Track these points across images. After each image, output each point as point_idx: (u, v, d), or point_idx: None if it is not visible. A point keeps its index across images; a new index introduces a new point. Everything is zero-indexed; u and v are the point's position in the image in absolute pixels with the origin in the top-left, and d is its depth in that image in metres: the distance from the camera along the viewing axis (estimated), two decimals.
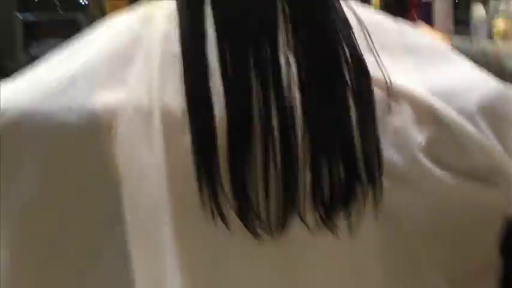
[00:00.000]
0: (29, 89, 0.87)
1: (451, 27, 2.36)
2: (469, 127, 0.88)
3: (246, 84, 0.83)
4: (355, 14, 0.93)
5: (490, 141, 0.90)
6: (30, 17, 3.27)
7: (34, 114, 0.85)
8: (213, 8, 0.87)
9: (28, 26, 3.15)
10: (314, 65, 0.85)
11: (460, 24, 2.60)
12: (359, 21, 0.92)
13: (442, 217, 0.90)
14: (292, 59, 0.85)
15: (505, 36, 2.56)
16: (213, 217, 0.83)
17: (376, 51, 0.89)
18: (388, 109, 0.87)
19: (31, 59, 2.34)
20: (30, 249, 0.87)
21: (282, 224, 0.84)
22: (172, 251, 0.83)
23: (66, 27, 3.18)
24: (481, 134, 0.89)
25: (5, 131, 0.85)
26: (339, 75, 0.86)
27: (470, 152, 0.89)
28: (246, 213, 0.83)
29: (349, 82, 0.86)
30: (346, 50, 0.87)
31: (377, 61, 0.88)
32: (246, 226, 0.83)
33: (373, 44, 0.90)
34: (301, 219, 0.84)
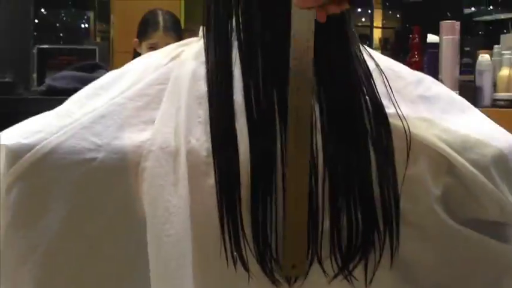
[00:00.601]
0: (58, 124, 0.89)
1: (457, 72, 2.40)
2: (483, 180, 0.89)
3: (270, 127, 0.85)
4: (374, 60, 0.95)
5: (504, 195, 0.91)
6: (45, 47, 3.31)
7: (63, 149, 0.86)
8: (240, 51, 0.89)
9: (43, 57, 3.19)
10: (336, 112, 0.88)
11: (466, 70, 2.64)
12: (378, 68, 0.95)
13: (456, 269, 0.91)
14: (315, 105, 0.87)
15: (508, 82, 2.60)
16: (233, 261, 0.84)
17: (396, 100, 0.91)
18: (407, 158, 0.88)
19: (46, 90, 2.37)
20: (56, 284, 0.88)
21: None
22: None
23: (82, 57, 3.20)
24: (494, 187, 0.90)
25: (34, 166, 0.86)
26: (359, 123, 0.88)
27: (484, 205, 0.90)
28: (266, 259, 0.84)
29: (369, 130, 0.88)
30: (367, 98, 0.89)
31: (396, 110, 0.90)
32: (264, 272, 0.84)
33: (392, 92, 0.92)
34: (320, 266, 0.85)
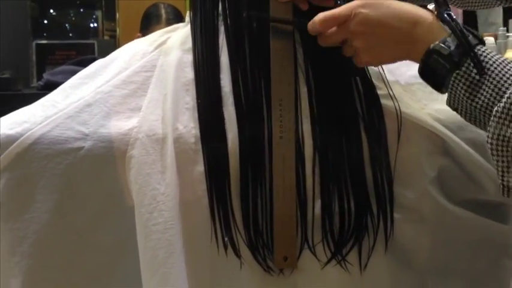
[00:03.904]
0: (43, 115, 0.88)
1: None
2: (479, 159, 0.87)
3: (258, 114, 0.84)
4: None
5: None
6: (44, 42, 3.33)
7: (48, 139, 0.86)
8: (227, 36, 0.88)
9: (42, 52, 3.20)
10: (325, 94, 0.86)
11: None
12: None
13: (454, 251, 0.89)
14: (303, 89, 0.86)
15: None
16: (224, 247, 0.83)
17: (387, 80, 0.90)
18: (399, 140, 0.86)
19: (44, 85, 2.37)
20: (45, 275, 0.87)
21: None
22: (182, 279, 0.84)
23: (81, 52, 3.22)
24: (490, 164, 0.88)
25: (20, 157, 0.86)
26: (350, 105, 0.86)
27: (481, 184, 0.88)
28: (258, 246, 0.83)
29: (360, 112, 0.86)
30: (358, 79, 0.87)
31: (388, 91, 0.88)
32: (256, 259, 0.83)
33: (384, 73, 0.90)
34: (312, 252, 0.84)
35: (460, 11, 2.24)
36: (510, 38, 2.51)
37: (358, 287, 0.85)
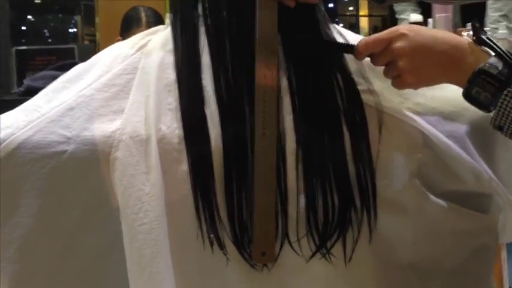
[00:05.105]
0: (25, 119, 0.88)
1: None
2: (458, 151, 0.89)
3: (240, 112, 0.85)
4: (345, 38, 0.95)
5: (479, 165, 0.91)
6: (24, 48, 3.33)
7: (31, 144, 0.86)
8: (208, 36, 0.88)
9: (22, 58, 3.20)
10: (306, 91, 0.87)
11: None
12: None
13: (437, 242, 0.90)
14: (285, 84, 0.87)
15: None
16: (210, 244, 0.84)
17: (368, 76, 0.91)
18: (380, 134, 0.87)
19: (25, 90, 2.36)
20: (32, 279, 0.88)
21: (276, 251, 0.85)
22: (169, 278, 0.84)
23: (61, 57, 3.21)
24: (470, 157, 0.90)
25: (3, 162, 0.86)
26: (331, 100, 0.87)
27: (460, 176, 0.90)
28: (243, 243, 0.84)
29: (341, 107, 0.87)
30: (338, 75, 0.88)
31: (368, 86, 0.89)
32: (242, 256, 0.84)
33: (363, 68, 0.91)
34: (292, 248, 0.85)
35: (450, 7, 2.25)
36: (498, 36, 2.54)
37: (344, 279, 0.86)
